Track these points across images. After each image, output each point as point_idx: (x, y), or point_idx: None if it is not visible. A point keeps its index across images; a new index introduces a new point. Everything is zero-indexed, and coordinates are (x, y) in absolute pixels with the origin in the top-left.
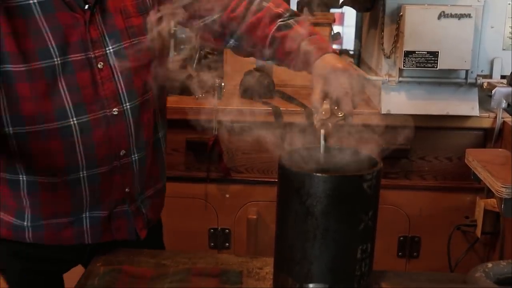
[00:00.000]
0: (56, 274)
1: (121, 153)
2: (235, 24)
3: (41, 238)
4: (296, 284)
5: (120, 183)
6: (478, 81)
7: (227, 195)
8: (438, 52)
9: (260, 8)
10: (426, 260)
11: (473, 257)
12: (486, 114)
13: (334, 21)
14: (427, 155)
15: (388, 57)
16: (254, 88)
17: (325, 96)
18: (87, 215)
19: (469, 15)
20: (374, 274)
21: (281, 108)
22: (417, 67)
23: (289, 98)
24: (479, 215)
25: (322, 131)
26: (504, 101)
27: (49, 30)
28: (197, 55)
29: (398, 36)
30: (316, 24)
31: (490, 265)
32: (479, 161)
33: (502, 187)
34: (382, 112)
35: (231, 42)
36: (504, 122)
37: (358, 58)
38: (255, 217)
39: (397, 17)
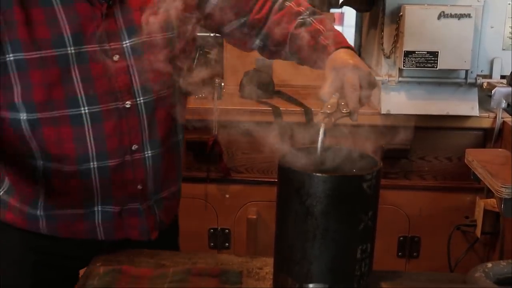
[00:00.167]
0: (71, 270)
1: (133, 148)
2: (260, 25)
3: (54, 229)
4: (296, 284)
5: (131, 178)
6: (478, 81)
7: (227, 195)
8: (438, 52)
9: (282, 7)
10: (426, 260)
11: (473, 257)
12: (486, 114)
13: (334, 21)
14: (427, 155)
15: (388, 57)
16: (254, 88)
17: (335, 90)
18: (99, 208)
19: (469, 15)
20: (374, 274)
21: (280, 108)
22: (417, 67)
23: (289, 98)
24: (479, 215)
25: (322, 125)
26: (504, 101)
27: (66, 19)
28: (197, 54)
29: (398, 36)
30: None
31: (490, 265)
32: (479, 161)
33: (502, 187)
34: (382, 112)
35: (257, 43)
36: (504, 122)
37: None
38: (255, 217)
39: (397, 17)
